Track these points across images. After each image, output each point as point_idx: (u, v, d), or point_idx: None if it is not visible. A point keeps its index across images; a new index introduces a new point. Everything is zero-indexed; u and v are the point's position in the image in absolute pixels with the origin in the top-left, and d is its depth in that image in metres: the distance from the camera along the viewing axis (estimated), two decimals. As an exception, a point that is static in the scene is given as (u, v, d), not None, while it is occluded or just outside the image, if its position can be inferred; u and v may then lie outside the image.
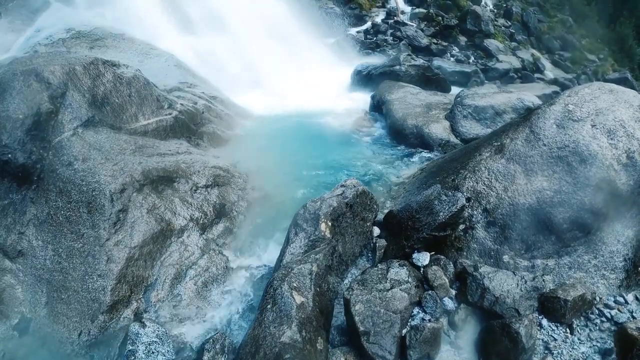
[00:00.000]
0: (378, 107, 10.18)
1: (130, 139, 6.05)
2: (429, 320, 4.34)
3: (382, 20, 18.45)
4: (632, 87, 14.60)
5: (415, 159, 7.91)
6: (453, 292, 4.77)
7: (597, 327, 4.48)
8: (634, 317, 4.48)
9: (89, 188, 5.17)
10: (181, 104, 7.43)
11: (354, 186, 5.46)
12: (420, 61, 12.53)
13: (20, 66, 5.65)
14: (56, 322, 4.63)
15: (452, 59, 16.90)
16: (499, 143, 5.71)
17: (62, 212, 5.10)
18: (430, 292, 4.59)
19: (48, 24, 10.10)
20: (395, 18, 18.62)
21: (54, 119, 5.53)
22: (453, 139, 8.31)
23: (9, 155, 5.14)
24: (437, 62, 15.26)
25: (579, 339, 4.40)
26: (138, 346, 4.10)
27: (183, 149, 6.57)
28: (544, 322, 4.48)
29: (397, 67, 11.85)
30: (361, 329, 4.12)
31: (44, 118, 5.42)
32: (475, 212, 5.24)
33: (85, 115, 5.78)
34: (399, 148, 8.38)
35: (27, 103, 5.34)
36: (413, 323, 4.31)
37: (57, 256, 4.93)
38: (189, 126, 7.23)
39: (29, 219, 5.10)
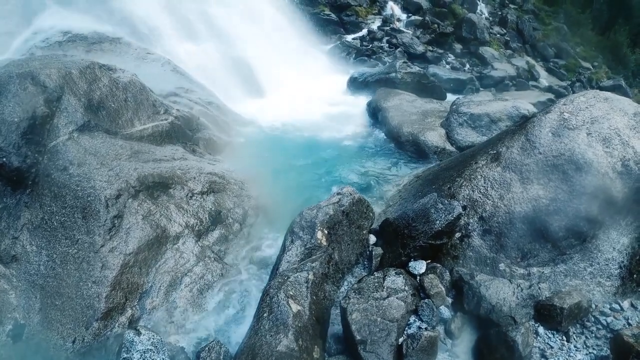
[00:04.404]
0: (374, 115, 10.21)
1: (126, 144, 6.02)
2: (426, 329, 4.33)
3: (378, 28, 18.52)
4: (626, 94, 14.78)
5: (411, 166, 7.93)
6: (449, 300, 4.78)
7: (593, 335, 4.50)
8: (629, 324, 4.51)
9: (84, 193, 5.13)
10: (177, 110, 7.41)
11: (350, 194, 5.46)
12: (416, 68, 12.56)
13: (16, 69, 5.61)
14: (50, 329, 4.57)
15: (447, 66, 16.99)
16: (494, 151, 5.73)
17: (57, 217, 5.06)
18: (426, 300, 4.58)
19: (45, 26, 10.05)
20: (392, 25, 18.72)
21: (50, 123, 5.50)
22: (449, 146, 8.34)
23: (4, 159, 5.10)
24: (432, 69, 15.28)
25: (575, 346, 4.41)
26: (133, 354, 4.06)
27: (179, 155, 6.55)
28: (540, 329, 4.49)
29: (393, 74, 11.89)
30: (358, 337, 4.10)
31: (40, 122, 5.39)
32: (471, 221, 5.25)
33: (81, 120, 5.75)
34: (394, 155, 8.40)
35: (23, 106, 5.30)
36: (410, 332, 4.29)
37: (51, 262, 4.88)
38: (185, 132, 7.21)
39: (23, 224, 5.05)
